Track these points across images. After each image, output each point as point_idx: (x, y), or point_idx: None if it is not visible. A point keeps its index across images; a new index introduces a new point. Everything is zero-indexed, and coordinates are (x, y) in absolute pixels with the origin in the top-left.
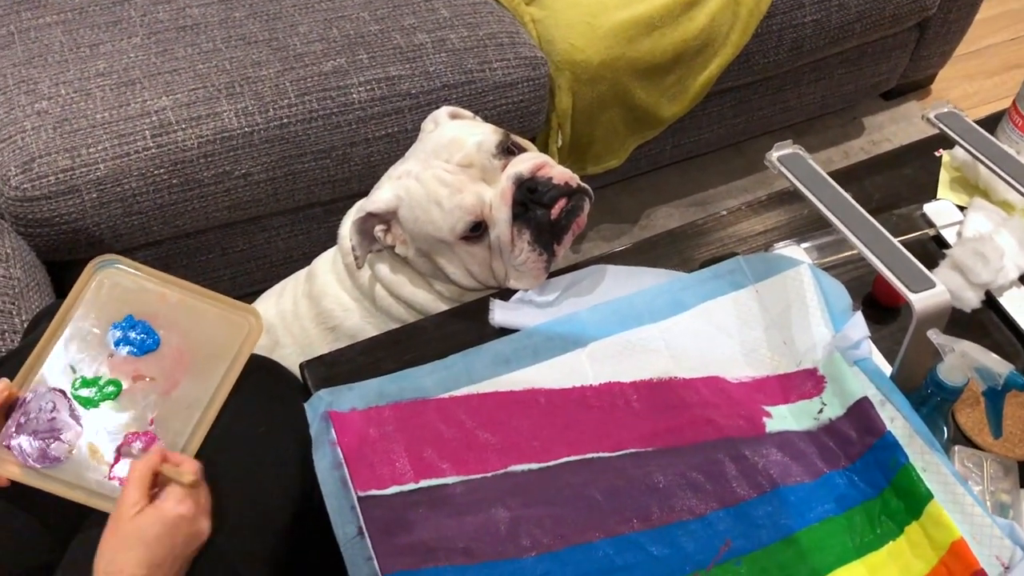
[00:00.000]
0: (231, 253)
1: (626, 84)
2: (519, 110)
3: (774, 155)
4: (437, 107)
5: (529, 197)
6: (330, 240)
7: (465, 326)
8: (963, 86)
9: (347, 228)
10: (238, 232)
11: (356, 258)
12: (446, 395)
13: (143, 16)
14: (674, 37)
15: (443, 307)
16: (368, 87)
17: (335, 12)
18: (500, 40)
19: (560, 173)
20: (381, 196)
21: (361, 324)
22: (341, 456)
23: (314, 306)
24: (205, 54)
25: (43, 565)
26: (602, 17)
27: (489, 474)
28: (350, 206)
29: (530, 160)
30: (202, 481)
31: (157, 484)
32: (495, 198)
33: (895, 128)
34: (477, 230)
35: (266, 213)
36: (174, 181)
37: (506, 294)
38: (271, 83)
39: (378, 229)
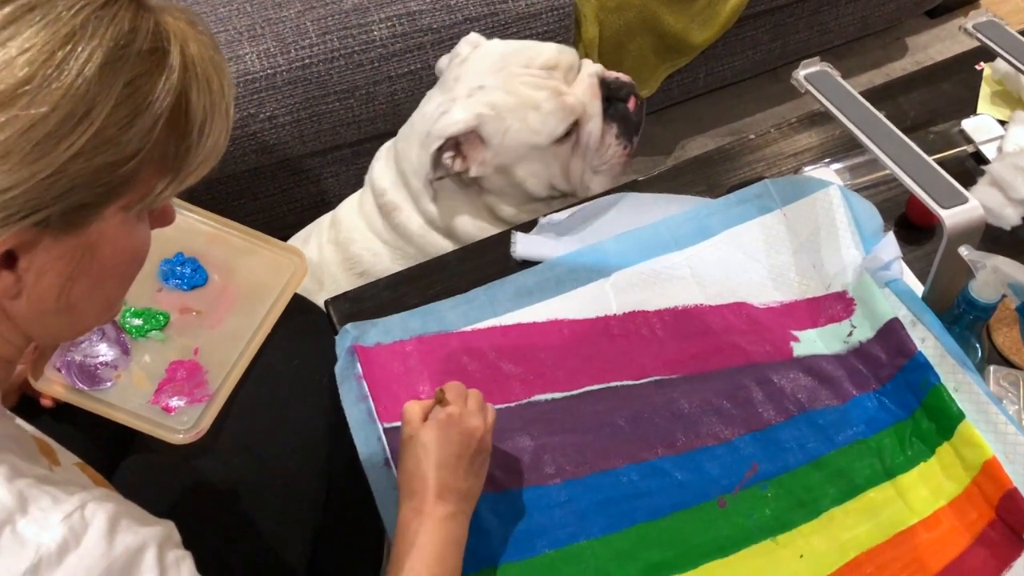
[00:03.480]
0: (262, 198)
1: (654, 10)
2: (544, 41)
3: (801, 73)
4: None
5: (608, 94)
6: (360, 183)
7: (488, 259)
8: (1016, 0)
9: (378, 170)
10: (267, 176)
11: (432, 184)
12: (469, 328)
13: None
14: None
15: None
16: (389, 23)
17: None
18: None
19: (620, 73)
20: (456, 118)
21: (391, 267)
22: (367, 389)
23: (341, 252)
24: None
25: None
26: None
27: (513, 404)
28: (377, 147)
29: (590, 62)
30: (462, 390)
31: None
32: (584, 95)
33: (941, 47)
34: (569, 130)
35: (293, 156)
36: None
37: (528, 227)
38: (292, 24)
39: (447, 156)
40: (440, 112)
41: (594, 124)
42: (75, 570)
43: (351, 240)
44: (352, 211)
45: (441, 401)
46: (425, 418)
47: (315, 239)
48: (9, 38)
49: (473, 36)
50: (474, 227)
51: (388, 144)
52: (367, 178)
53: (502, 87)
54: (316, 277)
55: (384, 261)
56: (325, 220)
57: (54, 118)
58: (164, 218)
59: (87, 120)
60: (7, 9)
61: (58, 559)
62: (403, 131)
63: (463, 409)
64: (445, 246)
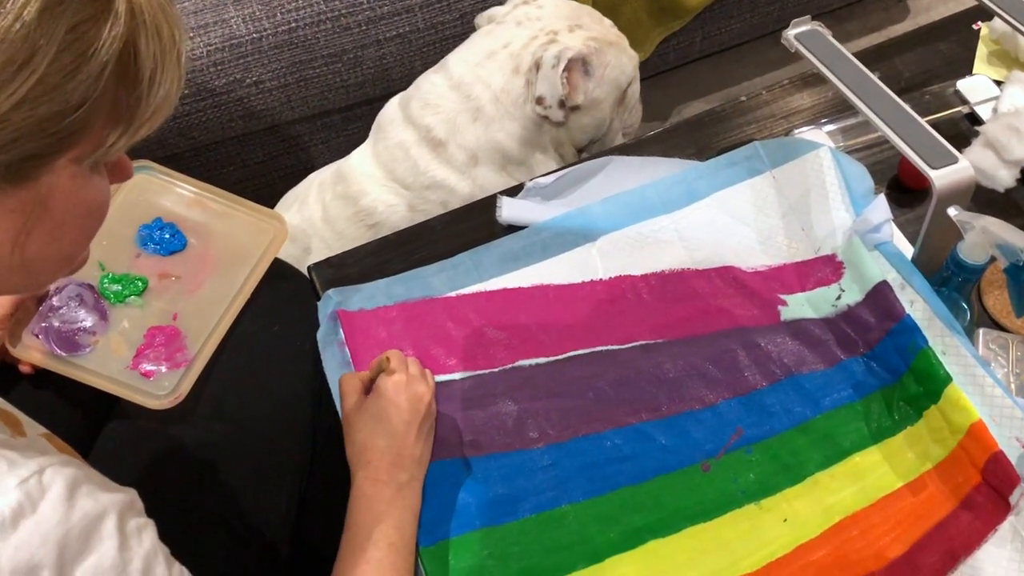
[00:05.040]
0: (250, 165)
1: None
2: None
3: (791, 33)
4: (448, 4)
5: None
6: (350, 148)
7: (473, 224)
8: None
9: (416, 110)
10: (255, 143)
11: (560, 106)
12: (454, 294)
13: None
14: None
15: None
16: None
17: None
18: None
19: None
20: (572, 44)
21: (407, 218)
22: (348, 355)
23: (351, 206)
24: None
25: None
26: None
27: (497, 369)
28: (366, 112)
29: None
30: (402, 357)
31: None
32: None
33: (944, 9)
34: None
35: (281, 122)
36: (186, 91)
37: (514, 192)
38: None
39: (563, 75)
40: (544, 41)
41: (637, 84)
42: (31, 536)
43: (363, 192)
44: (363, 161)
45: (385, 369)
46: (366, 390)
47: (316, 195)
48: None
49: (488, 13)
50: (541, 163)
51: (401, 94)
52: (380, 127)
53: (591, 31)
54: (320, 235)
55: (400, 211)
56: (325, 175)
57: None
58: (121, 172)
59: (28, 67)
60: None
61: (12, 524)
62: (457, 66)
63: (407, 375)
64: (473, 194)
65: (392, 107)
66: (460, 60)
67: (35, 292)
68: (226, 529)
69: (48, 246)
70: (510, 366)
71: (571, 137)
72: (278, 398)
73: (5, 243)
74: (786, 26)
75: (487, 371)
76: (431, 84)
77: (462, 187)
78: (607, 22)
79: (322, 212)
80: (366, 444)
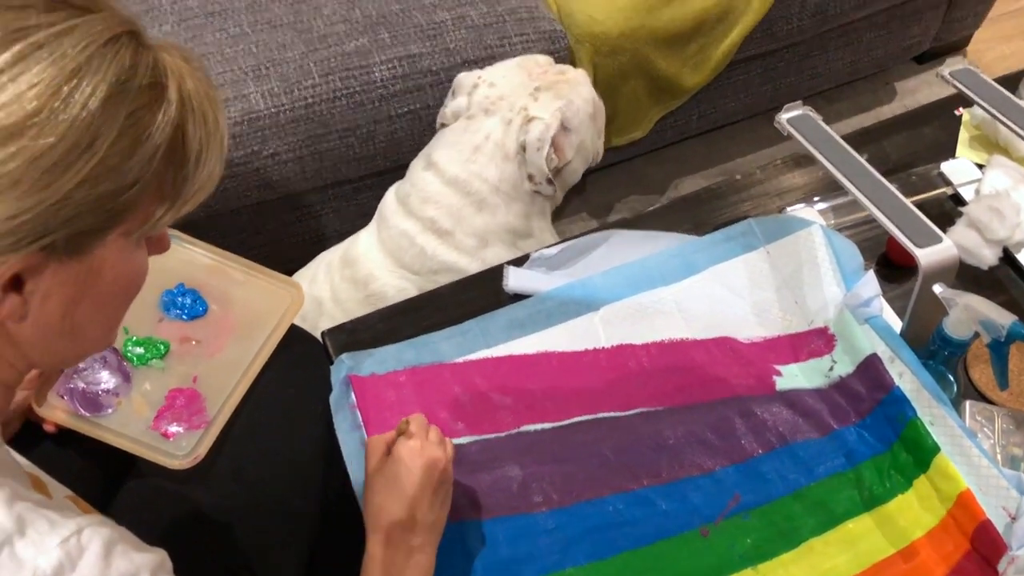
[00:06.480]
0: (264, 232)
1: (647, 54)
2: None
3: (784, 117)
4: None
5: None
6: (360, 217)
7: (480, 292)
8: (1000, 48)
9: (415, 204)
10: (269, 211)
11: (549, 182)
12: (462, 359)
13: (173, 4)
14: (694, 6)
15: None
16: (390, 65)
17: None
18: (519, 15)
19: None
20: (548, 120)
21: None
22: (360, 418)
23: (360, 290)
24: (232, 38)
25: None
26: None
27: (503, 434)
28: (376, 184)
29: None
30: (424, 423)
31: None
32: None
33: (929, 92)
34: None
35: (295, 192)
36: None
37: (520, 261)
38: (296, 64)
39: (551, 154)
40: (520, 122)
41: (592, 91)
42: None
43: (372, 277)
44: (370, 248)
45: (404, 432)
46: (388, 451)
47: (324, 277)
48: (20, 73)
49: (462, 77)
50: (544, 229)
51: (397, 185)
52: (384, 218)
53: (545, 83)
54: (329, 315)
55: (410, 294)
56: (332, 258)
57: (61, 148)
58: (160, 245)
59: (91, 150)
60: (18, 47)
61: None
62: (449, 165)
63: (424, 441)
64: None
65: (390, 199)
66: (448, 160)
67: (76, 363)
68: None
69: (94, 315)
70: (515, 431)
71: (565, 184)
72: (292, 460)
73: (56, 311)
74: (778, 106)
75: (493, 436)
76: (425, 181)
77: (472, 268)
78: (544, 59)
79: (331, 293)
80: (381, 507)
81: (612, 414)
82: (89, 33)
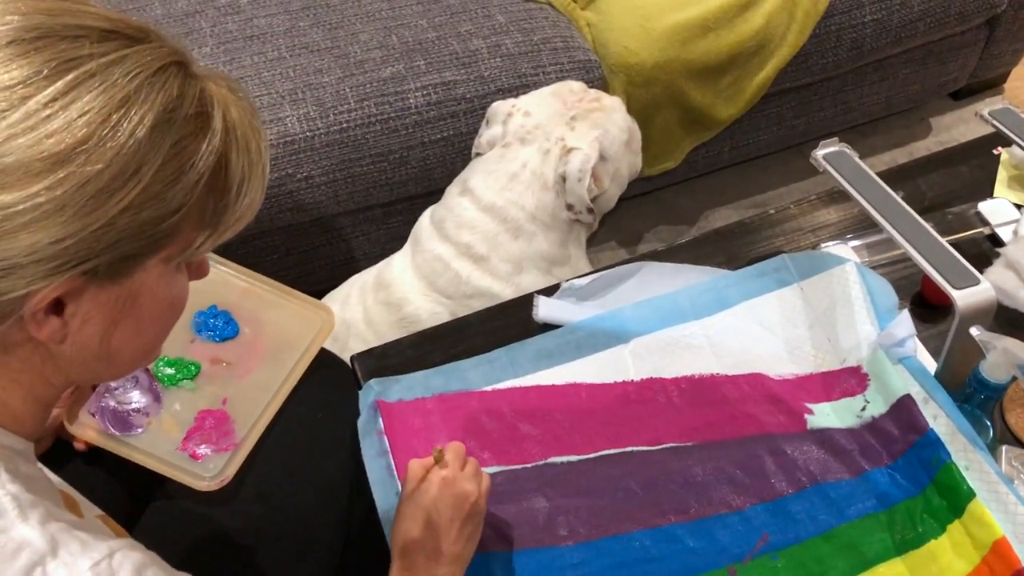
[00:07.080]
0: (295, 254)
1: (680, 86)
2: None
3: (820, 153)
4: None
5: None
6: (390, 241)
7: (510, 321)
8: None
9: (451, 230)
10: (300, 233)
11: (589, 211)
12: (489, 388)
13: (213, 27)
14: (729, 39)
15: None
16: (425, 92)
17: (394, 20)
18: (554, 44)
19: None
20: (587, 151)
21: None
22: (387, 444)
23: (393, 313)
24: (270, 62)
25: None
26: (656, 20)
27: (529, 465)
28: (408, 208)
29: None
30: (461, 452)
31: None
32: None
33: (964, 129)
34: None
35: (327, 215)
36: None
37: (550, 291)
38: (332, 89)
39: (590, 184)
40: (559, 153)
41: (626, 114)
42: None
43: (405, 301)
44: (404, 272)
45: (439, 461)
46: (425, 478)
47: (357, 299)
48: (72, 102)
49: (496, 105)
50: (579, 257)
51: (432, 209)
52: (418, 242)
53: (580, 111)
54: (361, 337)
55: (443, 319)
56: (365, 280)
57: (107, 174)
58: (200, 270)
59: (136, 177)
60: (71, 76)
61: None
62: (486, 192)
63: (457, 472)
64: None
65: (425, 223)
66: (484, 187)
67: (112, 380)
68: None
69: (132, 338)
70: (542, 462)
71: (601, 211)
72: (317, 484)
73: (95, 334)
74: (811, 139)
75: (520, 466)
76: (461, 207)
77: (506, 293)
78: (578, 85)
79: (363, 315)
80: (407, 534)
81: (640, 448)
82: (139, 63)
